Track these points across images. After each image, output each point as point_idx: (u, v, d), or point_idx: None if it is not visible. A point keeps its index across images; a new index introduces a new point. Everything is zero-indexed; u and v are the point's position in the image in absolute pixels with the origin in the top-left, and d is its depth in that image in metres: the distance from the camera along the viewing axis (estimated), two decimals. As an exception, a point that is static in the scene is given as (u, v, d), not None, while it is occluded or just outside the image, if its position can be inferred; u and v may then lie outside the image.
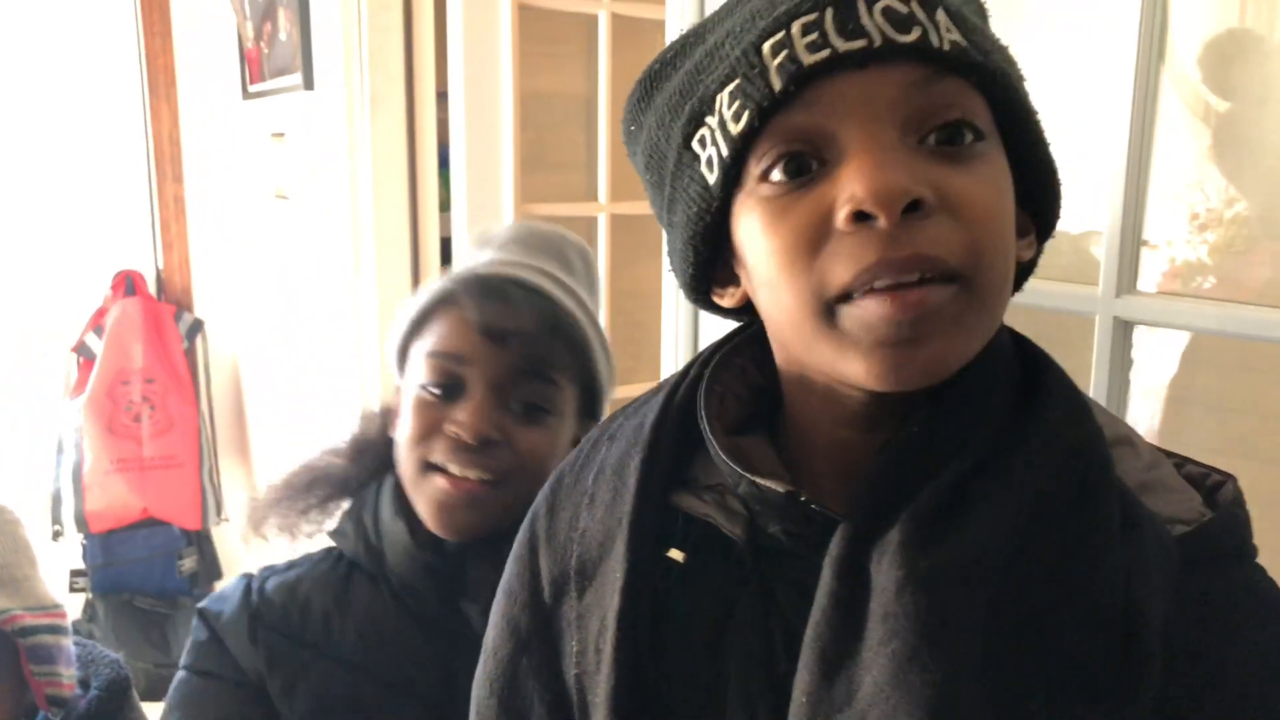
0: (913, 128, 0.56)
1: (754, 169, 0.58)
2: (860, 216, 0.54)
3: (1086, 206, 1.14)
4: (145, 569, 3.17)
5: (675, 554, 0.65)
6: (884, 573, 0.55)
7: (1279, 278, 1.12)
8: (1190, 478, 0.65)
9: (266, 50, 2.74)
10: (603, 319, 2.50)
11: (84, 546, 3.13)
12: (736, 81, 0.57)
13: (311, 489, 1.05)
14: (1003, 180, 0.58)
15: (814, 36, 0.55)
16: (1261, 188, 1.15)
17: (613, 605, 0.64)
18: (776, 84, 0.55)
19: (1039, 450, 0.58)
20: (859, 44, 0.54)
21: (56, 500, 3.12)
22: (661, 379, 0.75)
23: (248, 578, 1.05)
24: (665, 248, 0.69)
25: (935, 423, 0.59)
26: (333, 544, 1.05)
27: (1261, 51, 1.16)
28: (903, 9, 0.55)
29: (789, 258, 0.56)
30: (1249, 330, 1.02)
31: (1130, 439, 0.65)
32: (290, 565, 1.06)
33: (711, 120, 0.59)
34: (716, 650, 0.64)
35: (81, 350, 3.20)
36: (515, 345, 0.95)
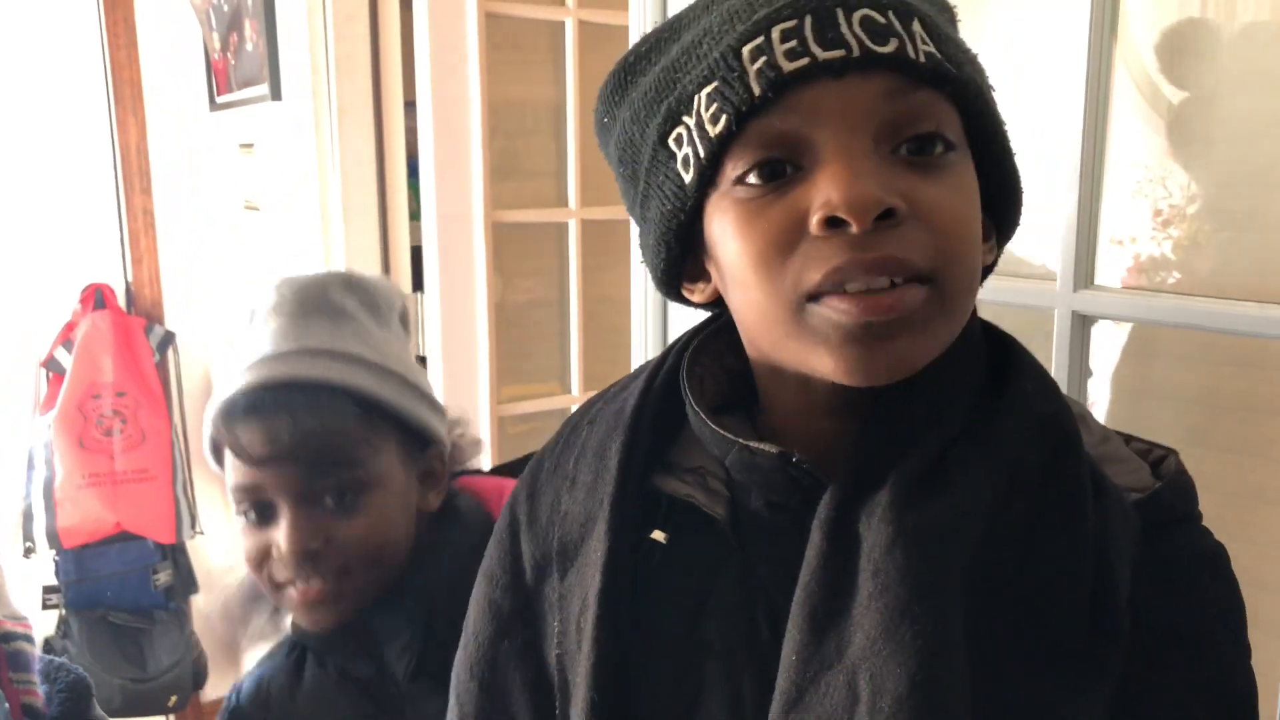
0: (886, 136, 0.57)
1: (730, 171, 0.59)
2: (833, 223, 0.55)
3: (1044, 202, 1.16)
4: (120, 584, 3.14)
5: (658, 535, 0.67)
6: (874, 530, 0.58)
7: (1231, 269, 1.14)
8: (1136, 453, 0.68)
9: (233, 61, 2.73)
10: (575, 323, 2.51)
11: (56, 563, 3.09)
12: (715, 84, 0.58)
13: (259, 601, 1.07)
14: (970, 189, 0.60)
15: (793, 44, 0.56)
16: (1214, 179, 1.17)
17: (594, 584, 0.66)
18: (755, 89, 0.56)
19: (1014, 421, 0.61)
20: (838, 53, 0.56)
21: (28, 516, 3.09)
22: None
23: (236, 684, 1.12)
24: (636, 241, 0.70)
25: (914, 398, 0.61)
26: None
27: (1215, 44, 1.18)
28: (880, 20, 0.57)
29: (762, 259, 0.58)
30: (1203, 322, 1.04)
31: (1084, 416, 0.68)
32: (264, 659, 1.11)
33: (689, 120, 0.60)
34: (695, 628, 0.66)
35: (51, 365, 3.17)
36: (295, 457, 0.94)
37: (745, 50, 0.57)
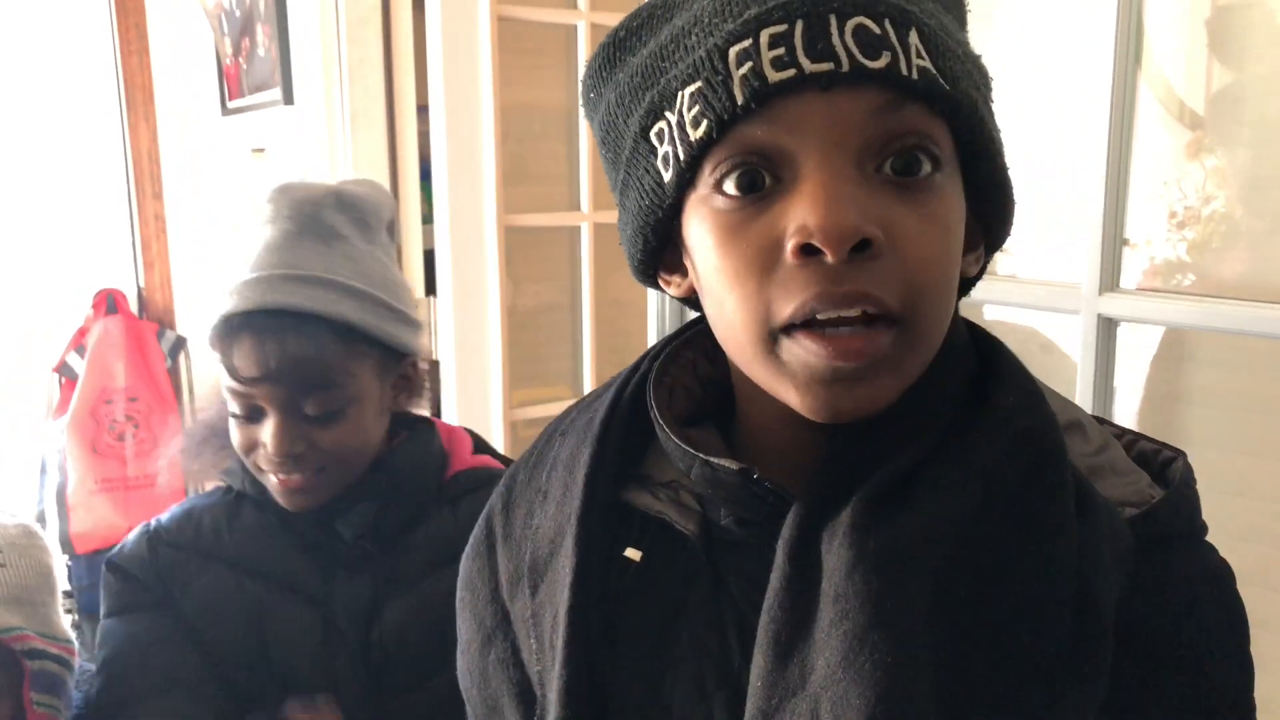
0: (870, 154, 0.55)
1: (709, 175, 0.57)
2: (808, 250, 0.53)
3: (1069, 206, 1.15)
4: (132, 589, 3.15)
5: (632, 553, 0.66)
6: (834, 553, 0.56)
7: (1256, 272, 1.13)
8: (1142, 454, 0.66)
9: (245, 66, 2.74)
10: (587, 327, 2.50)
11: (69, 568, 3.10)
12: (698, 85, 0.56)
13: (209, 440, 1.17)
14: (953, 216, 0.58)
15: (780, 51, 0.53)
16: (1240, 182, 1.16)
17: (563, 601, 0.65)
18: (739, 97, 0.54)
19: (989, 435, 0.58)
20: (826, 66, 0.53)
21: (41, 522, 3.10)
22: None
23: (148, 520, 1.19)
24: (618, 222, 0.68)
25: (888, 413, 0.58)
26: (222, 484, 1.19)
27: (1242, 46, 1.17)
28: (875, 29, 0.54)
29: (738, 279, 0.56)
30: (1230, 325, 1.03)
31: (1081, 423, 0.65)
32: (196, 496, 1.21)
33: (671, 117, 0.58)
34: (666, 646, 0.64)
35: (63, 370, 3.18)
36: (282, 378, 1.04)
37: (732, 53, 0.54)
